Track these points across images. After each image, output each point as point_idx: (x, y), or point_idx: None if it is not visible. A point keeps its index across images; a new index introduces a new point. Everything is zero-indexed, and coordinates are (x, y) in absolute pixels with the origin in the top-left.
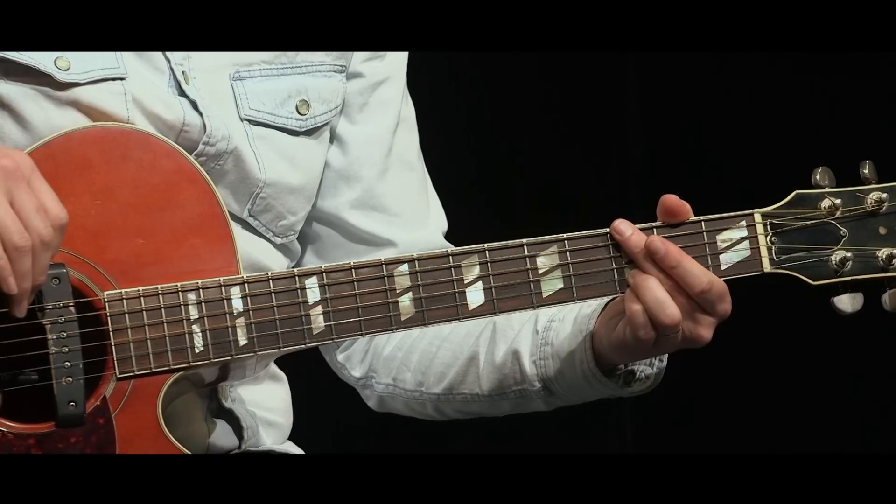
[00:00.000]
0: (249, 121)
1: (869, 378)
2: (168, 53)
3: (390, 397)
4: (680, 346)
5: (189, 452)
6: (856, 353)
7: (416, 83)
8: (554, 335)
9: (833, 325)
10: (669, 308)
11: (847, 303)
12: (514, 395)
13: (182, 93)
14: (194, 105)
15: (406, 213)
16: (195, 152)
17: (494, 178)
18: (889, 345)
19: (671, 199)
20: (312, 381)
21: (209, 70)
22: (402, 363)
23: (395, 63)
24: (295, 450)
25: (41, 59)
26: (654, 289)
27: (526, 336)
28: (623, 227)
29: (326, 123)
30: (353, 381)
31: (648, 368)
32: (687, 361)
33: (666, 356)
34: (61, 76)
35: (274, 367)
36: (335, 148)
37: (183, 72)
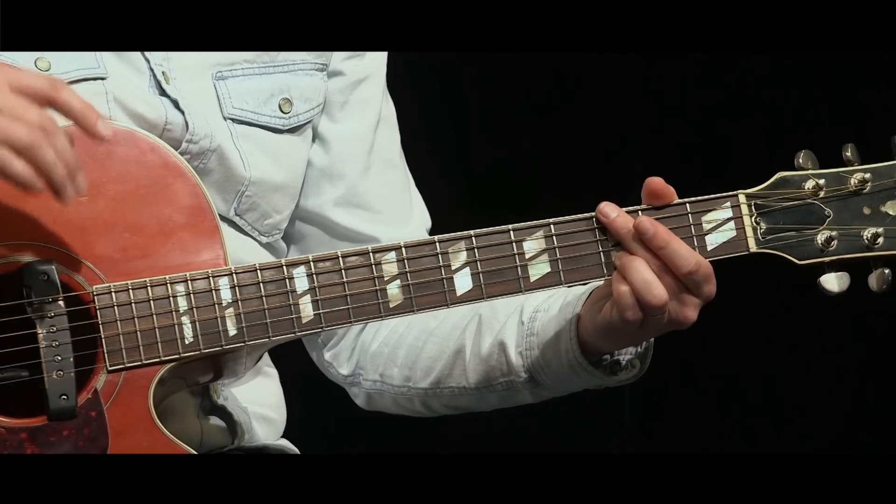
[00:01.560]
0: (233, 119)
1: (871, 377)
2: (147, 54)
3: (378, 394)
4: (665, 328)
5: (183, 444)
6: (853, 346)
7: (419, 82)
8: (539, 325)
9: (833, 320)
10: (657, 289)
11: (833, 282)
12: (502, 387)
13: (163, 92)
14: (176, 104)
15: (389, 210)
16: (178, 150)
17: (494, 175)
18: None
19: (656, 182)
20: (304, 379)
21: (190, 70)
22: (389, 358)
23: (375, 61)
24: (289, 446)
25: (21, 60)
26: (642, 269)
27: (511, 327)
28: (608, 209)
29: (309, 121)
30: (340, 380)
31: (633, 357)
32: (687, 361)
33: (652, 343)
34: None
35: (264, 364)
36: (317, 147)
37: (163, 72)
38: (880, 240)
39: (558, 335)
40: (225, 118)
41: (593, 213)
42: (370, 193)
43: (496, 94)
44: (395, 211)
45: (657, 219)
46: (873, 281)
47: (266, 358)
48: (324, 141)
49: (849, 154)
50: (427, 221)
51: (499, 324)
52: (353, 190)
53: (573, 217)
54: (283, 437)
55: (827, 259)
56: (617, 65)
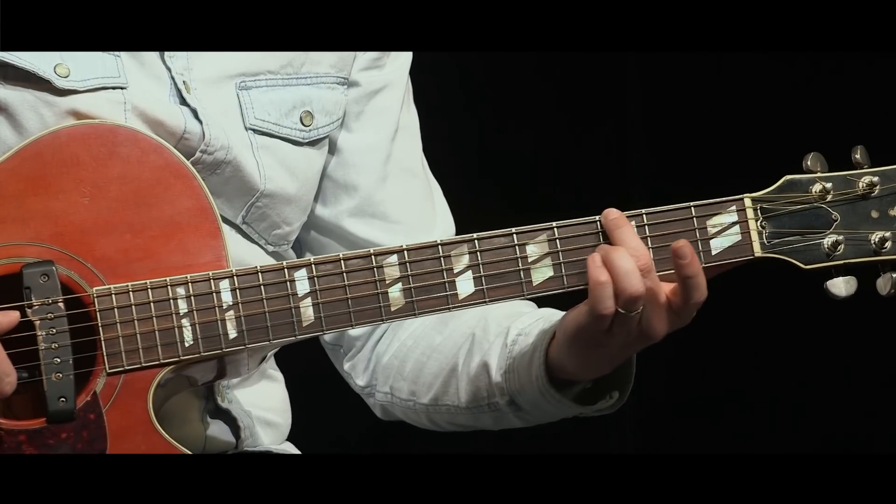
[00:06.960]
0: (254, 130)
1: (872, 377)
2: (168, 62)
3: (390, 405)
4: (633, 343)
5: (181, 447)
6: (859, 350)
7: (418, 81)
8: (518, 349)
9: (835, 322)
10: (636, 279)
11: (841, 287)
12: (489, 409)
13: (183, 101)
14: (195, 113)
15: (408, 220)
16: (191, 159)
17: (494, 176)
18: (891, 337)
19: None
20: (308, 381)
21: (213, 80)
22: (398, 371)
23: (394, 72)
24: (293, 450)
25: (41, 65)
26: (625, 258)
27: (496, 348)
28: (611, 212)
29: (328, 135)
30: (358, 390)
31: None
32: (687, 361)
33: (632, 373)
34: (60, 83)
35: (270, 368)
36: (333, 157)
37: (184, 81)
38: (888, 244)
39: (531, 360)
40: (246, 128)
41: (597, 217)
42: (386, 203)
43: (494, 95)
44: (414, 220)
45: (663, 223)
46: (881, 285)
47: (272, 361)
48: (339, 151)
49: (858, 156)
50: (451, 231)
51: (487, 344)
52: (369, 200)
53: (577, 220)
54: (287, 440)
55: (833, 264)
56: (617, 64)
